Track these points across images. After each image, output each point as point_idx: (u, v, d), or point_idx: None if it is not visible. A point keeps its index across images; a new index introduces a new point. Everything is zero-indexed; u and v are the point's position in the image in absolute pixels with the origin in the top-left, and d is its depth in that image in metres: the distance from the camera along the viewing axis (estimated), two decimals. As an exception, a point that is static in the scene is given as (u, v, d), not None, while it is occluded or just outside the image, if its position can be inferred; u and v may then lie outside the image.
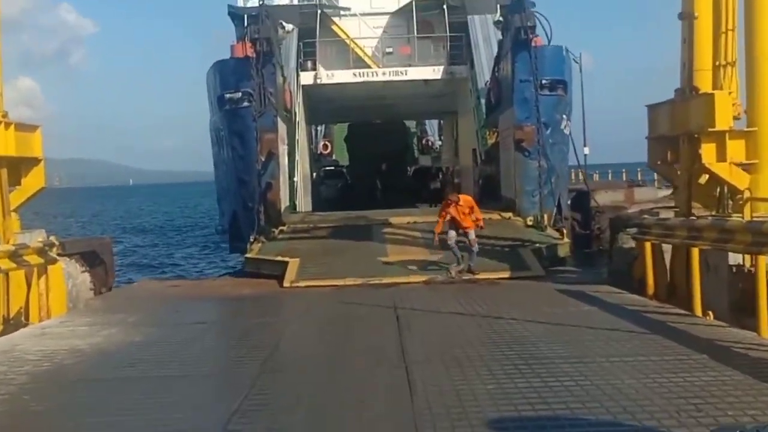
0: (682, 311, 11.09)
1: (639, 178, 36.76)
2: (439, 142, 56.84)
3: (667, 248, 12.84)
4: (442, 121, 53.74)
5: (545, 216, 20.16)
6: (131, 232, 57.60)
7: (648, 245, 12.76)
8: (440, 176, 39.51)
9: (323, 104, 36.25)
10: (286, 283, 15.67)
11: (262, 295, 14.90)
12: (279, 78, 23.07)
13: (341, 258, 17.33)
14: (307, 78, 31.04)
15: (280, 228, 20.72)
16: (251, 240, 18.84)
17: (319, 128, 57.82)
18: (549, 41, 21.30)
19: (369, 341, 9.83)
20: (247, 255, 18.31)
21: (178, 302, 14.41)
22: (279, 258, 17.30)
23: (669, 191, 32.60)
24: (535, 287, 14.33)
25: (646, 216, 12.88)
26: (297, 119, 29.68)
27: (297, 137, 29.04)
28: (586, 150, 29.47)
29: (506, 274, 15.63)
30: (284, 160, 23.83)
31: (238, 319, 12.78)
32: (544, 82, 21.68)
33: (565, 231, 18.79)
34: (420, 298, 13.31)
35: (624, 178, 36.06)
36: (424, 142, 57.03)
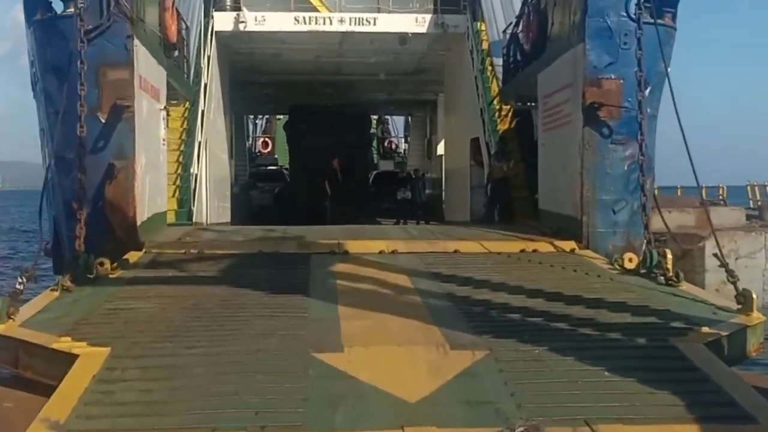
0: None
1: (704, 196, 26.31)
2: (405, 146, 46.49)
3: None
4: (410, 118, 43.37)
5: (667, 254, 9.87)
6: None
7: None
8: (410, 182, 28.95)
9: (250, 73, 25.78)
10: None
11: None
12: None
13: (226, 347, 6.85)
14: (223, 21, 20.43)
15: (127, 256, 10.15)
16: (18, 285, 8.16)
17: (258, 121, 47.31)
18: None
19: None
20: None
21: None
22: (59, 344, 6.70)
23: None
24: None
25: None
26: (206, 80, 19.19)
27: (202, 107, 18.47)
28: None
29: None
30: (159, 130, 13.12)
31: None
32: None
33: (749, 293, 8.41)
34: None
35: (704, 195, 25.12)
36: (386, 144, 46.65)
